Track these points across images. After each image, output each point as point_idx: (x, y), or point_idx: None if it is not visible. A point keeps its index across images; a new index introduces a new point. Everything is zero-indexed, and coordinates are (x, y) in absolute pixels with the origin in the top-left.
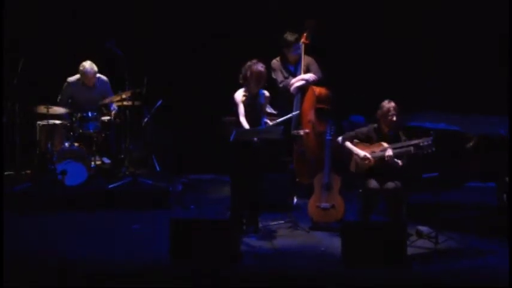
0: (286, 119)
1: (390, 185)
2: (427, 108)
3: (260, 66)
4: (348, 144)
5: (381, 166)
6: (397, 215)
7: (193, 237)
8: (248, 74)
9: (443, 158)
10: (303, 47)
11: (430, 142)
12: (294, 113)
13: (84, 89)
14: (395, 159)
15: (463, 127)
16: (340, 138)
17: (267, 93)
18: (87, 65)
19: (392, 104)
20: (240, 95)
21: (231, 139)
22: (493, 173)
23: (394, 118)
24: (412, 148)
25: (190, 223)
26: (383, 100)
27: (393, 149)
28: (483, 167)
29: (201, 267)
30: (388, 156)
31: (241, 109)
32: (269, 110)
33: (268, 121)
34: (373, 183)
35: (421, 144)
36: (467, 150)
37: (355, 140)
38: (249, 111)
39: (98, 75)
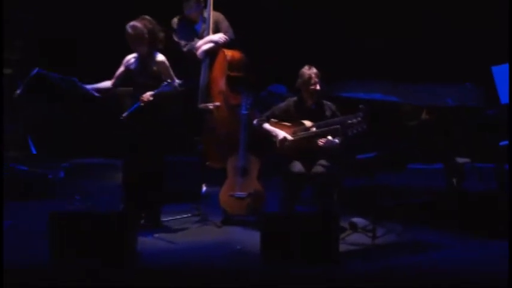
0: (160, 91)
1: (318, 168)
2: (361, 76)
3: (129, 25)
4: (265, 126)
5: (306, 147)
6: (327, 204)
7: (79, 233)
8: None
9: (381, 135)
10: (211, 1)
11: (359, 119)
12: (164, 86)
13: None
14: (331, 139)
15: (404, 98)
16: (255, 122)
17: (160, 57)
18: None
19: (314, 70)
20: (128, 57)
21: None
22: (440, 152)
23: (318, 87)
24: (338, 126)
25: (74, 217)
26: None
27: (317, 127)
28: (429, 146)
29: (87, 267)
30: (323, 142)
31: (117, 72)
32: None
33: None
34: (297, 167)
35: (349, 121)
36: (410, 126)
37: (273, 120)
38: (136, 77)
39: None
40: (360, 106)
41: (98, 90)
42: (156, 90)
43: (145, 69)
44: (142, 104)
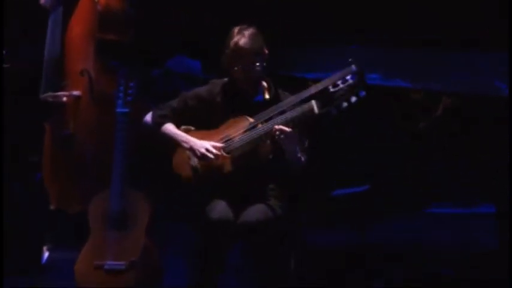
0: None
1: (256, 214)
2: (340, 37)
3: None
4: (169, 128)
5: (243, 169)
6: (274, 280)
7: None
8: None
9: (377, 148)
10: None
11: (351, 81)
12: None
13: None
14: (289, 142)
15: (417, 80)
16: (148, 118)
17: None
18: None
19: (251, 30)
20: None
21: None
22: (487, 182)
23: (257, 65)
24: (313, 104)
25: None
26: (236, 24)
27: (267, 118)
28: (464, 169)
29: None
30: (279, 130)
31: None
32: None
33: None
34: (218, 209)
35: (332, 90)
36: (428, 130)
37: (184, 127)
38: None
39: None
40: (350, 59)
41: None
42: None
43: None
44: None
